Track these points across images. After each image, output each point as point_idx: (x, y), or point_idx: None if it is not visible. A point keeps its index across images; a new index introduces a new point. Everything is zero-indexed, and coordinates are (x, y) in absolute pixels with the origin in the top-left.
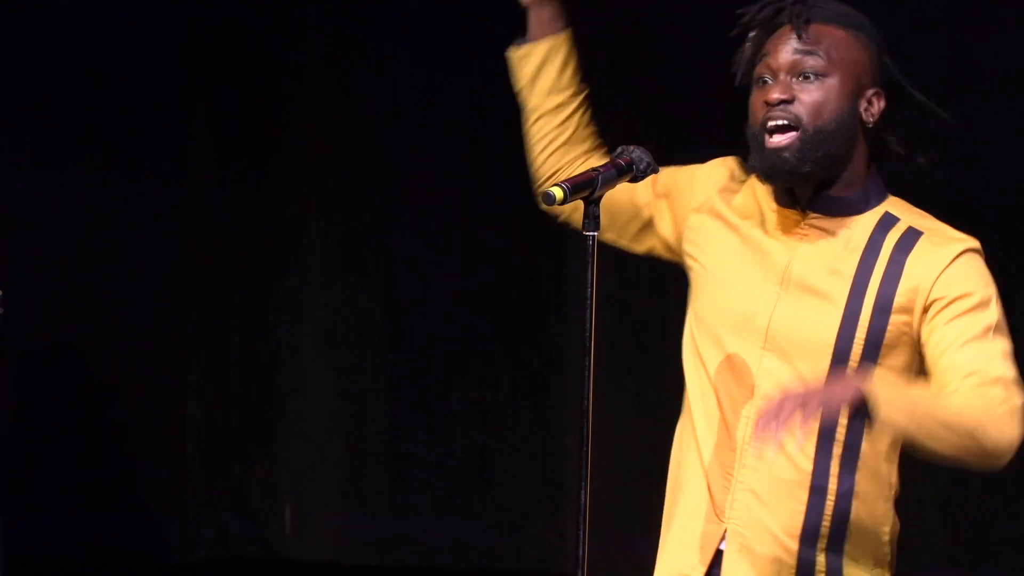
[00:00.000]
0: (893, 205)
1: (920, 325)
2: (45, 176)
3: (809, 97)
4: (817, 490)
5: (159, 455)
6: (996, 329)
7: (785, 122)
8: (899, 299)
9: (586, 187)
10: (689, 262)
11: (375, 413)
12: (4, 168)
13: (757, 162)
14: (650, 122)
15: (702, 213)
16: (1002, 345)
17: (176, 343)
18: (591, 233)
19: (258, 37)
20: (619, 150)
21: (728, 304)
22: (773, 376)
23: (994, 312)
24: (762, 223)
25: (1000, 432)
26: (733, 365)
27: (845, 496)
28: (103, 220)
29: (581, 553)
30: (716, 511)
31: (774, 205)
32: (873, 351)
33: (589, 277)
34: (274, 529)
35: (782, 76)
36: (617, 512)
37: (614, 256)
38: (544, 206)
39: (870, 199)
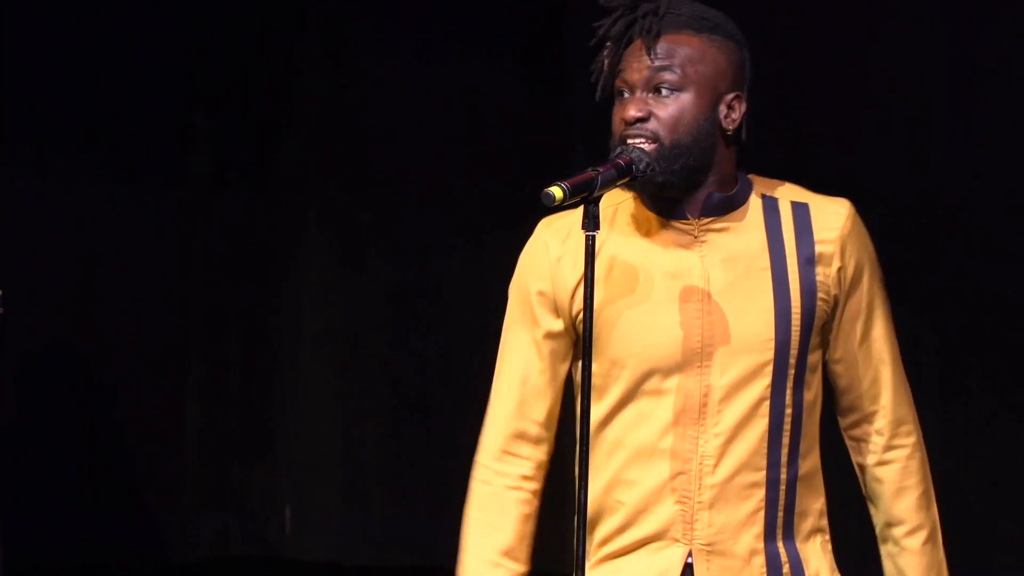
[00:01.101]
0: (760, 185)
1: (840, 292)
2: (45, 176)
3: (665, 112)
4: (771, 484)
5: (159, 455)
6: (884, 299)
7: (641, 140)
8: (820, 275)
9: (586, 187)
10: (580, 316)
11: (375, 413)
12: (4, 168)
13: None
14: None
15: (576, 277)
16: (889, 327)
17: (176, 343)
18: (591, 233)
19: (258, 37)
20: (619, 150)
21: (650, 339)
22: (718, 390)
23: (878, 272)
24: (658, 241)
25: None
26: (674, 393)
27: (792, 481)
28: (103, 220)
29: (581, 553)
30: (674, 535)
31: (656, 220)
32: (807, 333)
33: (589, 277)
34: (274, 529)
35: (638, 92)
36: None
37: None
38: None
39: (747, 189)
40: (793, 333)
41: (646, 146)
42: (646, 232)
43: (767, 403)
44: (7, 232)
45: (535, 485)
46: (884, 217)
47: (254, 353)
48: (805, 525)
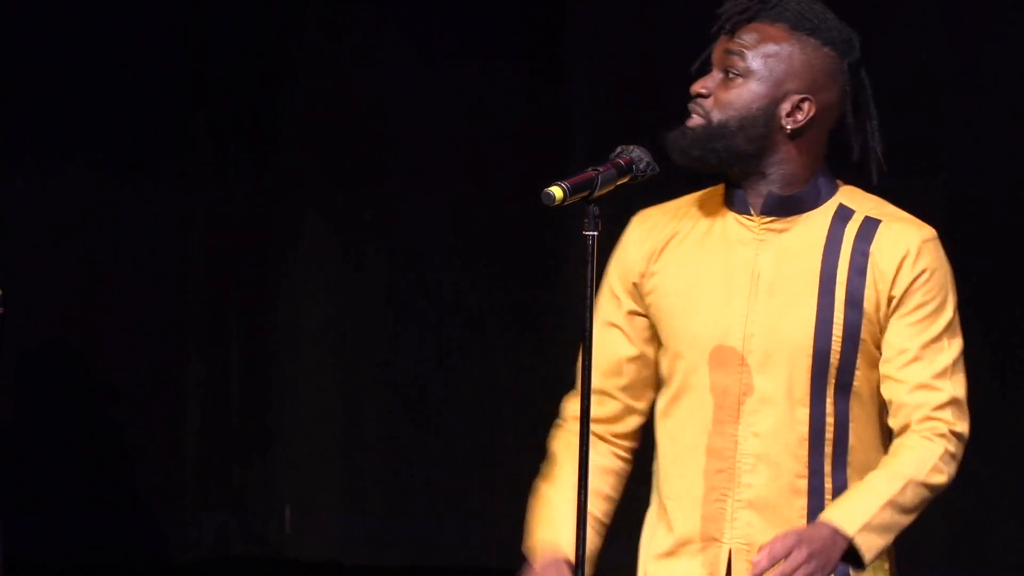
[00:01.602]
0: (846, 196)
1: (886, 316)
2: (45, 176)
3: (724, 95)
4: (815, 492)
5: (159, 455)
6: (950, 329)
7: (697, 114)
8: (868, 290)
9: (586, 187)
10: (651, 303)
11: (375, 413)
12: (4, 168)
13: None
14: (650, 123)
15: (650, 267)
16: (954, 351)
17: (176, 343)
18: (591, 233)
19: (258, 36)
20: (618, 150)
21: (698, 331)
22: (756, 390)
23: (950, 309)
24: (721, 236)
25: (942, 478)
26: (706, 387)
27: (841, 491)
28: (103, 219)
29: (581, 553)
30: (714, 534)
31: (729, 214)
32: (852, 346)
33: (589, 277)
34: (274, 529)
35: (714, 70)
36: (617, 512)
37: None
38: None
39: (820, 194)
40: (834, 342)
41: (696, 120)
42: (715, 225)
43: (805, 410)
44: (7, 232)
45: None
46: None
47: (254, 353)
48: None
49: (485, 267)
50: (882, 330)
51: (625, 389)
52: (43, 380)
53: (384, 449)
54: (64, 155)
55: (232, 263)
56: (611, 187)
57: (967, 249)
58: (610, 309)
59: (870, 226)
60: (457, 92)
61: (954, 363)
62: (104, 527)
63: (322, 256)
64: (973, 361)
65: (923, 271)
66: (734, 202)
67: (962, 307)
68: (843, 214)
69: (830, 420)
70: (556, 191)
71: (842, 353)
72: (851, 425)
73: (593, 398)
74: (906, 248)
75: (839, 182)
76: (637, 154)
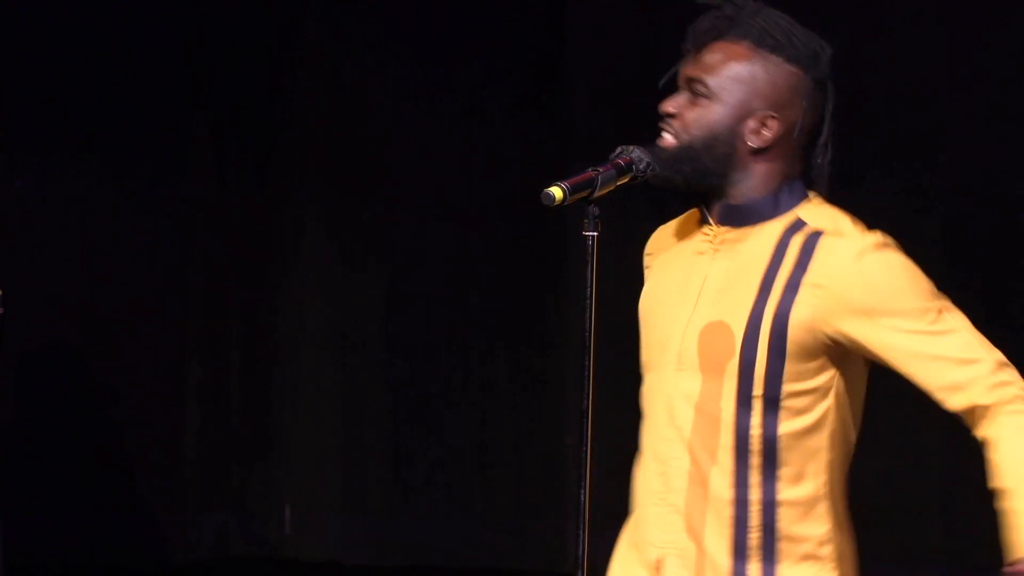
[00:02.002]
0: (807, 209)
1: (853, 331)
2: (45, 176)
3: (690, 114)
4: (740, 502)
5: (159, 455)
6: (943, 314)
7: (668, 134)
8: (800, 306)
9: (586, 187)
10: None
11: (375, 413)
12: (4, 168)
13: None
14: (650, 125)
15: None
16: (965, 327)
17: (176, 343)
18: (591, 233)
19: (258, 38)
20: (618, 150)
21: (652, 334)
22: (687, 396)
23: (930, 297)
24: (688, 248)
25: None
26: (654, 391)
27: (770, 505)
28: (103, 220)
29: (581, 553)
30: (649, 537)
31: (697, 228)
32: (778, 359)
33: (589, 277)
34: (274, 529)
35: (682, 88)
36: (617, 512)
37: (614, 256)
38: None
39: (779, 205)
40: (759, 356)
41: (667, 140)
42: (688, 239)
43: (731, 422)
44: (7, 232)
45: None
46: (885, 217)
47: (254, 353)
48: (796, 550)
49: (485, 267)
50: (836, 343)
51: None
52: (43, 380)
53: (384, 449)
54: (64, 155)
55: (232, 264)
56: (611, 187)
57: (967, 249)
58: None
59: (812, 240)
60: (456, 94)
61: (973, 337)
62: (104, 527)
63: (322, 257)
64: None
65: (873, 281)
66: (702, 215)
67: (962, 306)
68: (796, 226)
69: (756, 432)
70: (556, 191)
71: (768, 365)
72: (781, 438)
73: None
74: (843, 261)
75: (811, 194)
76: (637, 154)
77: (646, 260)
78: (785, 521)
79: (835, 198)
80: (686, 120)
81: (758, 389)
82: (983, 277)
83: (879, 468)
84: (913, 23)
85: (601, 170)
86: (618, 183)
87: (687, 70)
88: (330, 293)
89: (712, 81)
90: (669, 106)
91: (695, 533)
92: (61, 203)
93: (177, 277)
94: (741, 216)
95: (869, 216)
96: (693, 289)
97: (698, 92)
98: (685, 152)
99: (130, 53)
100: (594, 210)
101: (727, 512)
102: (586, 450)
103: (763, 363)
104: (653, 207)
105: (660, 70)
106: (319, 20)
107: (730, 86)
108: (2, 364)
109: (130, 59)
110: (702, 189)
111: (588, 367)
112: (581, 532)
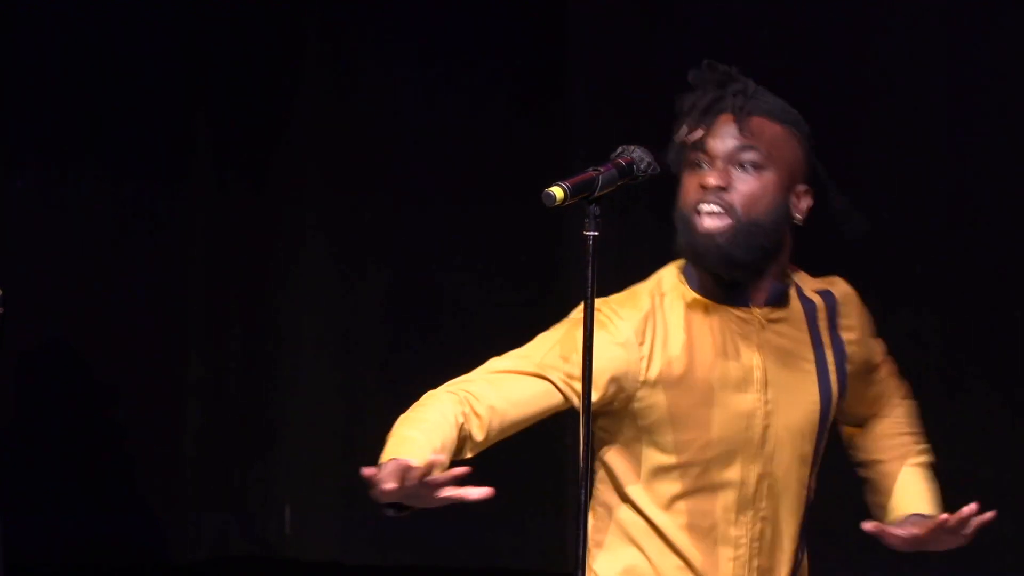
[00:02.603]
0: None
1: (870, 355)
2: (45, 176)
3: (746, 187)
4: (797, 564)
5: (159, 455)
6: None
7: (719, 208)
8: (850, 368)
9: (587, 187)
10: (640, 408)
11: (375, 413)
12: (4, 168)
13: (687, 241)
14: (650, 127)
15: (647, 375)
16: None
17: (176, 343)
18: (591, 233)
19: (259, 39)
20: (619, 150)
21: (718, 429)
22: (774, 479)
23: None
24: (717, 333)
25: None
26: (736, 482)
27: (802, 547)
28: (103, 220)
29: (581, 553)
30: None
31: (718, 309)
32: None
33: (589, 277)
34: (274, 529)
35: (719, 164)
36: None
37: (614, 256)
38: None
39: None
40: (828, 423)
41: (718, 222)
42: (705, 319)
43: (806, 489)
44: (7, 232)
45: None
46: (885, 217)
47: (254, 353)
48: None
49: (485, 267)
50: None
51: (506, 422)
52: (43, 380)
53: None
54: (64, 156)
55: (232, 263)
56: (612, 187)
57: (967, 250)
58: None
59: (830, 302)
60: (456, 96)
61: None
62: (104, 527)
63: (322, 257)
64: (973, 363)
65: (863, 308)
66: (720, 294)
67: (962, 308)
68: (800, 294)
69: (811, 495)
70: (557, 191)
71: (828, 431)
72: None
73: (485, 380)
74: (855, 308)
75: None
76: (638, 154)
77: (617, 324)
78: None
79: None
80: (743, 192)
81: (820, 455)
82: (984, 279)
83: None
84: (913, 23)
85: (602, 170)
86: (619, 183)
87: (723, 143)
88: (330, 293)
89: (764, 154)
90: (715, 179)
91: None
92: (61, 203)
93: (177, 277)
94: (784, 295)
95: (867, 215)
96: (751, 375)
97: (748, 163)
98: (749, 227)
99: (130, 54)
100: (594, 210)
101: (785, 574)
102: (587, 450)
103: (826, 429)
104: (653, 207)
105: (660, 71)
106: (319, 21)
107: (780, 156)
108: (2, 364)
109: (130, 60)
110: (756, 270)
111: (588, 367)
112: (581, 532)
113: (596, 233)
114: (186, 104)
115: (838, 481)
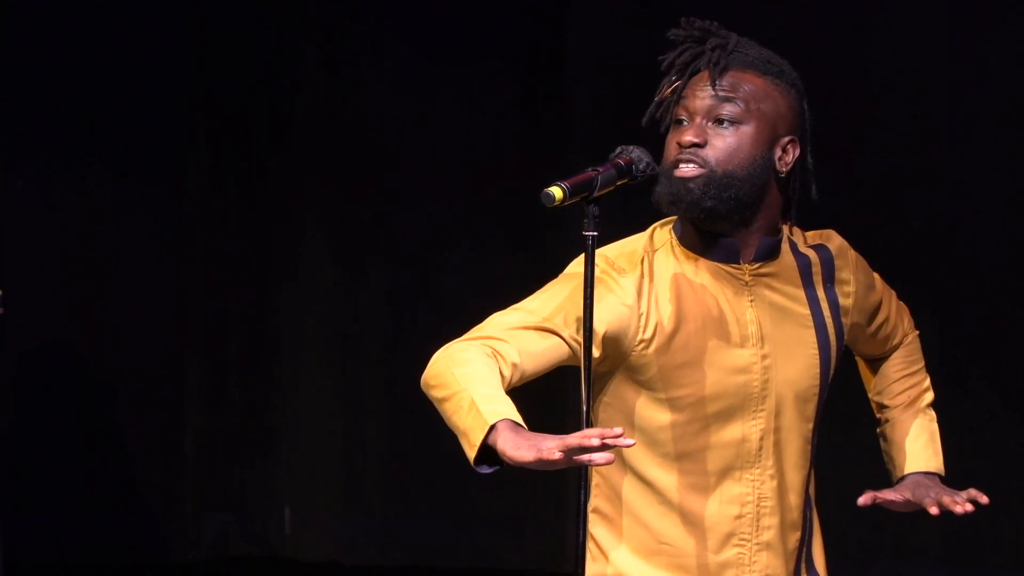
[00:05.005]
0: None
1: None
2: (45, 176)
3: (722, 143)
4: (806, 521)
5: (159, 455)
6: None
7: (694, 165)
8: (845, 320)
9: (585, 187)
10: (636, 364)
11: (375, 413)
12: (4, 168)
13: (664, 188)
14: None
15: (643, 334)
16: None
17: (175, 344)
18: (591, 233)
19: (259, 41)
20: (618, 150)
21: (715, 386)
22: (776, 434)
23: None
24: (709, 289)
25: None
26: (736, 439)
27: (811, 514)
28: (103, 221)
29: (581, 553)
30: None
31: (709, 265)
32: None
33: (589, 277)
34: (274, 529)
35: (698, 120)
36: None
37: None
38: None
39: (781, 234)
40: (829, 378)
41: (694, 171)
42: (695, 276)
43: (811, 444)
44: (7, 232)
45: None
46: (885, 218)
47: (254, 353)
48: (816, 552)
49: (483, 268)
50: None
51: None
52: (43, 380)
53: (384, 449)
54: (65, 156)
55: (232, 264)
56: (611, 187)
57: (967, 250)
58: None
59: (825, 256)
60: (455, 97)
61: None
62: (104, 527)
63: (322, 257)
64: (972, 363)
65: (857, 258)
66: (710, 250)
67: (962, 308)
68: (793, 247)
69: (814, 443)
70: (556, 191)
71: (829, 384)
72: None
73: (504, 336)
74: (849, 259)
75: None
76: (637, 154)
77: (621, 283)
78: (813, 528)
79: (831, 201)
80: (719, 148)
81: (821, 409)
82: (984, 277)
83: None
84: (913, 23)
85: (601, 170)
86: (618, 183)
87: (700, 100)
88: (330, 293)
89: (742, 108)
90: (693, 135)
91: (779, 564)
92: (61, 203)
93: (177, 277)
94: (774, 251)
95: (867, 216)
96: (746, 330)
97: (726, 118)
98: (725, 180)
99: (130, 54)
100: (594, 210)
101: (798, 534)
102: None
103: (827, 383)
104: (653, 207)
105: (660, 71)
106: (319, 22)
107: (758, 112)
108: (2, 364)
109: (130, 60)
110: (733, 219)
111: (588, 367)
112: (581, 532)
113: (595, 233)
114: (186, 104)
115: (838, 481)
